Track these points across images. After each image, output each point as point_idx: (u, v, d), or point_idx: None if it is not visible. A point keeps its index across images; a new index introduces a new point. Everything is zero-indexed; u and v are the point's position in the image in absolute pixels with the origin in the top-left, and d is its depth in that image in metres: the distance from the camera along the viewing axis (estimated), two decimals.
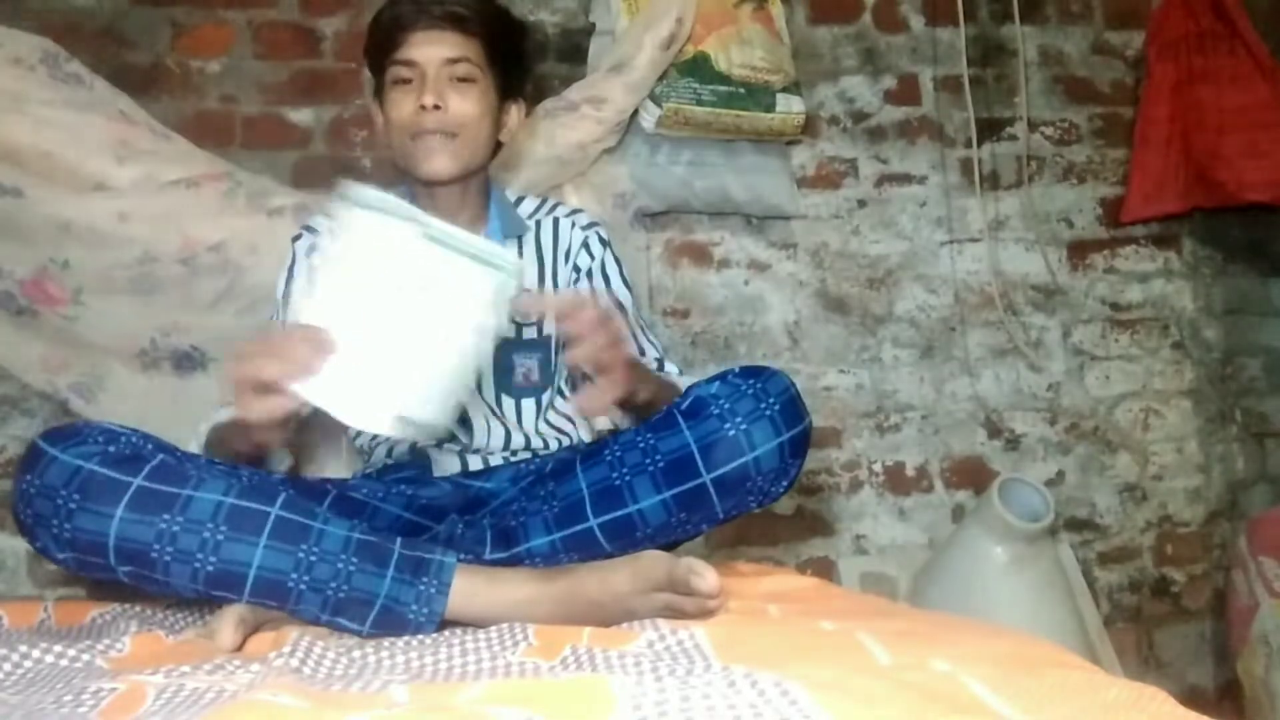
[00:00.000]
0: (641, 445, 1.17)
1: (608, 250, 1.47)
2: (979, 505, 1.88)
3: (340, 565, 1.05)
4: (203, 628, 1.08)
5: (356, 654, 0.96)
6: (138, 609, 1.19)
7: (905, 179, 2.09)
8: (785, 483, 1.18)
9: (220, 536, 1.03)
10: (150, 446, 1.08)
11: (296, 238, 1.43)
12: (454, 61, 1.32)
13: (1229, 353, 2.17)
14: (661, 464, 1.15)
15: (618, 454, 1.18)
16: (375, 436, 1.40)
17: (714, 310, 2.01)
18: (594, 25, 1.90)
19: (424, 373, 1.02)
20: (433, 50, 1.31)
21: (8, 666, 0.89)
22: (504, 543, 1.19)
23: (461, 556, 1.11)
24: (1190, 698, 1.99)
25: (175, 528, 1.02)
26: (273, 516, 1.05)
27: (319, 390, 0.99)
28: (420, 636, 1.04)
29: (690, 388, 1.21)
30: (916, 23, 2.12)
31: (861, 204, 2.07)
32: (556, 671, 0.87)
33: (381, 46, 1.34)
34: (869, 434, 2.03)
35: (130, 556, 1.02)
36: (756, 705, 0.65)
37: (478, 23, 1.33)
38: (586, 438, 1.44)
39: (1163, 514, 2.12)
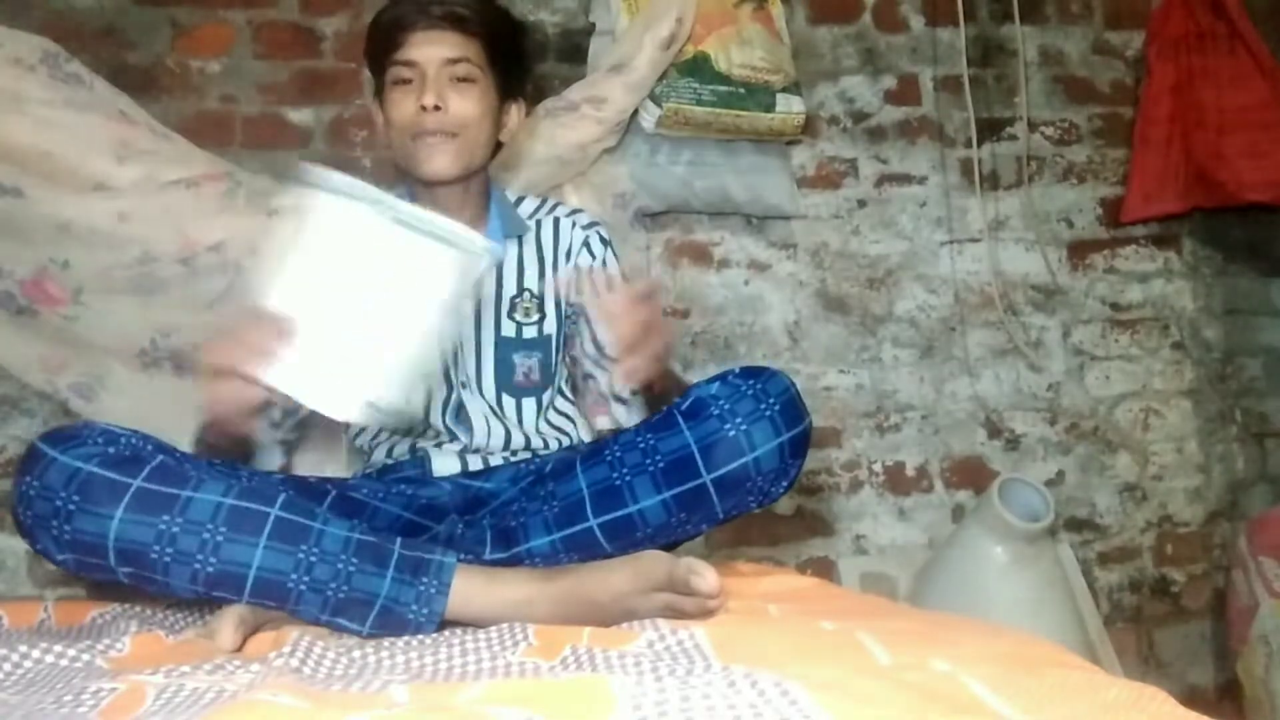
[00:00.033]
0: (641, 445, 1.17)
1: (609, 249, 1.47)
2: (979, 505, 1.88)
3: (340, 565, 1.05)
4: (203, 628, 1.08)
5: (356, 654, 0.96)
6: (138, 609, 1.19)
7: (905, 179, 2.09)
8: (785, 483, 1.18)
9: (220, 537, 1.03)
10: (150, 447, 1.08)
11: None
12: (454, 62, 1.32)
13: (1229, 353, 2.17)
14: (661, 464, 1.15)
15: (618, 454, 1.18)
16: (375, 436, 1.40)
17: (714, 310, 2.01)
18: (594, 25, 1.90)
19: (390, 357, 1.02)
20: (433, 50, 1.31)
21: (8, 666, 0.89)
22: (504, 543, 1.19)
23: (461, 557, 1.11)
24: (1190, 698, 1.99)
25: (175, 529, 1.02)
26: (272, 517, 1.05)
27: (284, 377, 0.99)
28: (420, 636, 1.04)
29: (690, 388, 1.21)
30: (916, 23, 2.12)
31: (861, 204, 2.07)
32: (556, 671, 0.86)
33: (382, 47, 1.34)
34: (869, 434, 2.03)
35: (130, 558, 1.02)
36: (756, 705, 0.65)
37: (478, 23, 1.33)
38: (586, 438, 1.44)
39: (1163, 514, 2.12)
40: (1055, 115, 2.15)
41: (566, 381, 1.45)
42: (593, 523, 1.17)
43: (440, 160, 1.33)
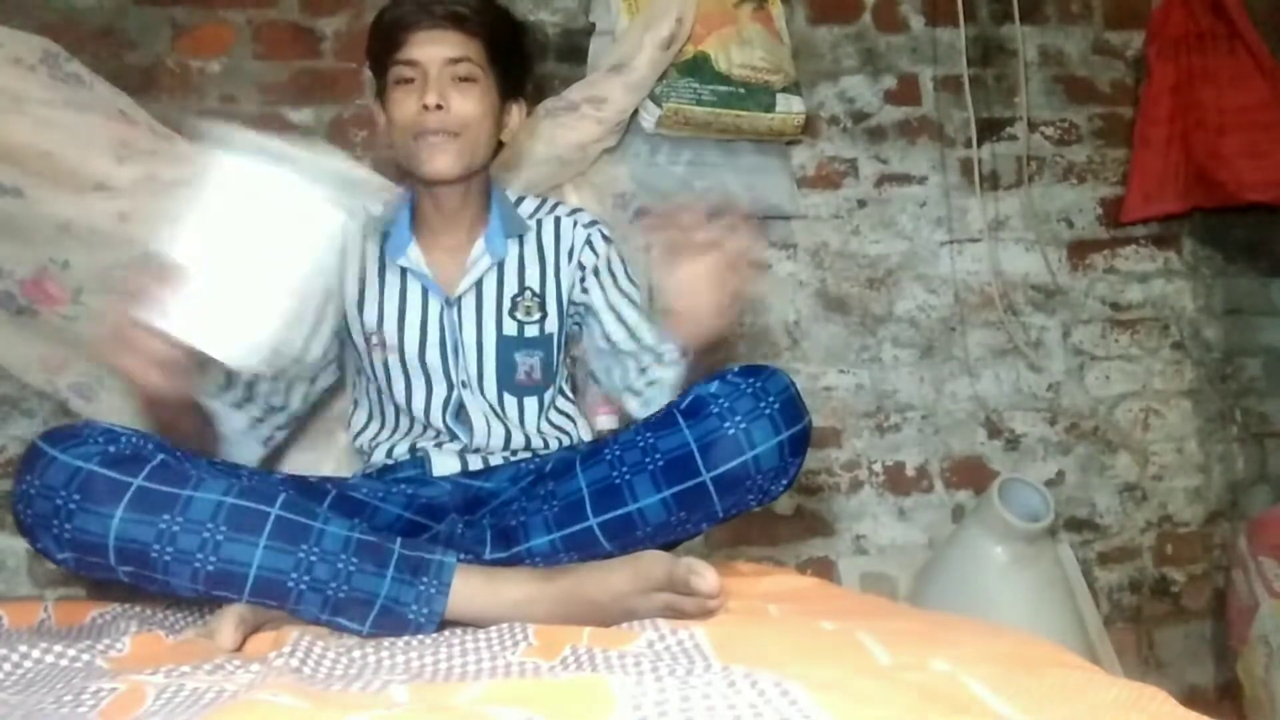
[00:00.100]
0: (641, 444, 1.17)
1: (611, 247, 1.48)
2: (979, 505, 1.88)
3: (340, 565, 1.05)
4: (203, 628, 1.08)
5: (356, 654, 0.96)
6: (138, 609, 1.19)
7: (905, 179, 2.09)
8: (785, 481, 1.18)
9: (220, 536, 1.03)
10: (150, 447, 1.08)
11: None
12: (456, 61, 1.32)
13: (1229, 353, 2.17)
14: (661, 463, 1.15)
15: (617, 453, 1.18)
16: (376, 436, 1.41)
17: None
18: (594, 25, 1.90)
19: (273, 303, 1.04)
20: (434, 50, 1.31)
21: (8, 666, 0.89)
22: (504, 542, 1.19)
23: (461, 556, 1.12)
24: (1190, 698, 1.99)
25: (175, 528, 1.02)
26: (273, 516, 1.05)
27: (176, 321, 1.02)
28: (420, 636, 1.04)
29: (690, 386, 1.21)
30: (916, 23, 2.12)
31: (861, 204, 2.07)
32: (556, 671, 0.87)
33: (383, 46, 1.35)
34: (869, 434, 2.03)
35: (130, 557, 1.02)
36: (756, 705, 0.65)
37: (479, 22, 1.33)
38: (587, 437, 1.44)
39: (1163, 514, 2.12)
40: (1055, 115, 2.15)
41: (567, 381, 1.45)
42: (592, 522, 1.17)
43: (442, 160, 1.33)
